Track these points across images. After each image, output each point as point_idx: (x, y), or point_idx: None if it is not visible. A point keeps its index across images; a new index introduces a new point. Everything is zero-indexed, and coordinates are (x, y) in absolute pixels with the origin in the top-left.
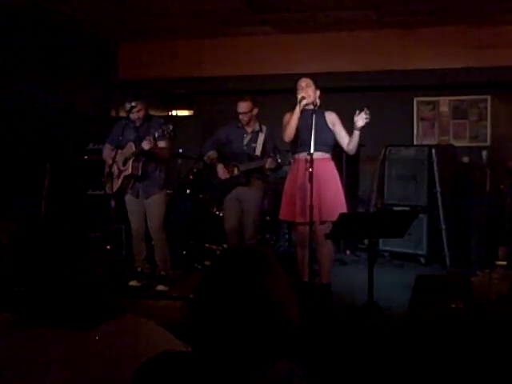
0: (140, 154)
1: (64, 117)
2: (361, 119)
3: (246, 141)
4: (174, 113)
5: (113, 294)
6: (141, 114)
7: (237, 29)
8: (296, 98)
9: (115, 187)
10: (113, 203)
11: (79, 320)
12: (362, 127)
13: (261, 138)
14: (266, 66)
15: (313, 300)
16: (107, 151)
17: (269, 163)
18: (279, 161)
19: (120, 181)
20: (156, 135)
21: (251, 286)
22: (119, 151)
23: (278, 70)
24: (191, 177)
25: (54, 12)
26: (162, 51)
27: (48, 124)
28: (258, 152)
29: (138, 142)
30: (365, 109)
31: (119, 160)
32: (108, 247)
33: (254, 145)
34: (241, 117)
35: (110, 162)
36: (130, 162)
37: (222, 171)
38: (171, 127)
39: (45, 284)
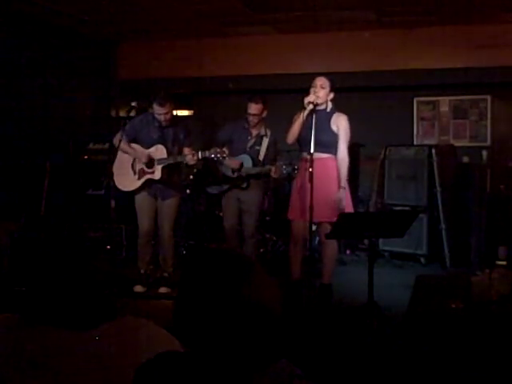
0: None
1: (64, 117)
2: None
3: (250, 143)
4: (174, 113)
5: (113, 295)
6: (168, 116)
7: (237, 29)
8: (308, 95)
9: (133, 187)
10: (113, 203)
11: (80, 320)
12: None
13: (265, 142)
14: (266, 66)
15: (313, 300)
16: (125, 146)
17: (273, 172)
18: (284, 172)
19: (141, 182)
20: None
21: (228, 285)
22: (138, 147)
23: (278, 70)
24: (191, 177)
25: (55, 12)
26: (162, 51)
27: (48, 124)
28: (262, 157)
29: (164, 144)
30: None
31: (140, 159)
32: (108, 247)
33: (257, 148)
34: (251, 118)
35: (127, 156)
36: (160, 167)
37: (233, 162)
38: (227, 152)
39: (45, 284)
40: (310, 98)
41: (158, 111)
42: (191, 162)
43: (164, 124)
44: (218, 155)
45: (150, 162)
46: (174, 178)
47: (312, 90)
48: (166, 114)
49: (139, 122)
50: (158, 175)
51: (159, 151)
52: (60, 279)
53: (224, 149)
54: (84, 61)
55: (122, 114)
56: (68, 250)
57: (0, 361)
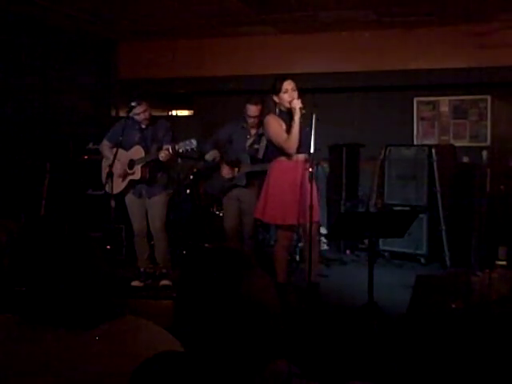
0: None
1: (64, 117)
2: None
3: (249, 142)
4: (173, 113)
5: (113, 294)
6: (147, 114)
7: (237, 29)
8: (276, 98)
9: (118, 189)
10: (113, 203)
11: (79, 320)
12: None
13: (264, 141)
14: (266, 66)
15: (304, 300)
16: (107, 149)
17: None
18: None
19: (125, 184)
20: (171, 146)
21: (228, 284)
22: (121, 151)
23: (278, 70)
24: (191, 177)
25: (54, 12)
26: (162, 51)
27: (48, 124)
28: (261, 155)
29: (144, 143)
30: None
31: (123, 161)
32: (108, 247)
33: (256, 146)
34: (252, 120)
35: (110, 161)
36: (139, 167)
37: (226, 170)
38: (195, 143)
39: (45, 284)
40: (299, 102)
41: (137, 110)
42: (164, 158)
43: (144, 124)
44: (188, 147)
45: (131, 163)
46: (158, 175)
47: (286, 95)
48: (145, 111)
49: (118, 126)
50: (137, 175)
51: (138, 151)
52: (60, 279)
53: (192, 140)
54: (84, 61)
55: (122, 113)
56: (68, 250)
57: (0, 361)
